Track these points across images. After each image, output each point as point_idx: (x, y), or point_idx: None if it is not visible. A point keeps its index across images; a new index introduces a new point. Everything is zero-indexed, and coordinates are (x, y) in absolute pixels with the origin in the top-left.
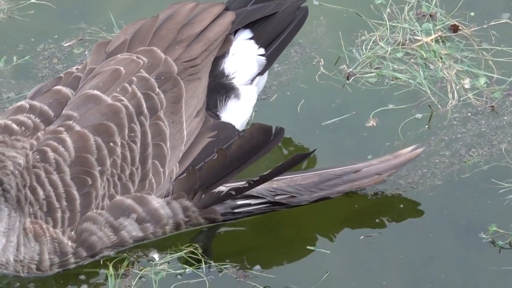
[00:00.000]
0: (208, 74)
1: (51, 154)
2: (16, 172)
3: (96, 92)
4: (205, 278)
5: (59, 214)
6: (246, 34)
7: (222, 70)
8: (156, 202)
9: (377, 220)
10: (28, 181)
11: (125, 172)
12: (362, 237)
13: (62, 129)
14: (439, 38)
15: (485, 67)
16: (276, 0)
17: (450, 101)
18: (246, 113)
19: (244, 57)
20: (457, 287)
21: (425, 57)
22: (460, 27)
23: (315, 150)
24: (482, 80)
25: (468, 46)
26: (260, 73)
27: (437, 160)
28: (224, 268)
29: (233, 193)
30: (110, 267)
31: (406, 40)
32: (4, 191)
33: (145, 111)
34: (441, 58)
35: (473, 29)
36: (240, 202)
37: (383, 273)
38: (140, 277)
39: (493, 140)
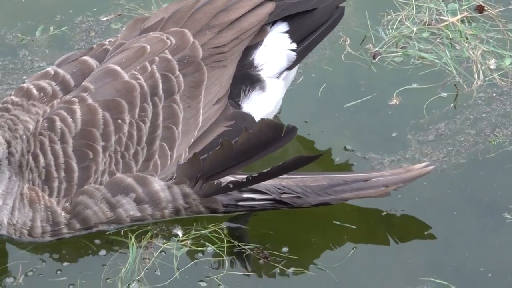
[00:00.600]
0: (235, 63)
1: (58, 124)
2: (24, 137)
3: (116, 67)
4: (225, 258)
5: (56, 184)
6: (283, 27)
7: (251, 60)
8: (157, 184)
9: (399, 196)
10: (32, 147)
11: (129, 151)
12: (384, 212)
13: (75, 100)
14: (465, 18)
15: (511, 47)
16: None
17: (476, 81)
18: (269, 107)
19: (275, 50)
20: (480, 266)
21: (451, 37)
22: (485, 8)
23: (322, 154)
24: (508, 61)
25: (494, 26)
26: (289, 68)
27: (462, 139)
28: (248, 249)
29: (231, 186)
30: (133, 238)
31: (432, 20)
32: (9, 154)
33: (160, 92)
34: (467, 39)
35: (498, 9)
36: (245, 195)
37: (407, 249)
38: (162, 251)
39: None
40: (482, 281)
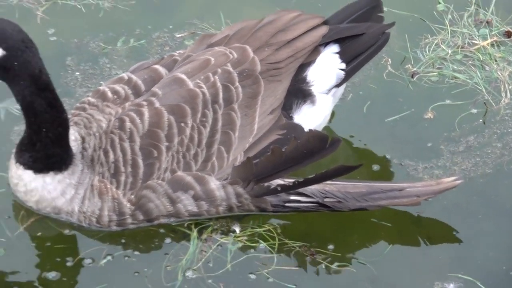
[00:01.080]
0: (290, 78)
1: (128, 124)
2: (97, 134)
3: (183, 76)
4: (275, 254)
5: (123, 178)
6: (334, 48)
7: (304, 76)
8: (214, 183)
9: (430, 199)
10: (103, 144)
11: (190, 151)
12: (416, 214)
13: (144, 103)
14: (494, 42)
15: None
16: (367, 23)
17: (503, 99)
18: (318, 119)
19: (326, 69)
20: (503, 265)
21: (481, 59)
22: None
23: (361, 165)
24: None
25: None
26: (337, 85)
27: (489, 151)
28: (297, 247)
29: (279, 189)
30: (195, 231)
31: (465, 43)
32: (83, 149)
33: (221, 100)
34: (496, 61)
35: None
36: (292, 197)
37: (436, 247)
38: (219, 245)
39: None
40: (505, 279)
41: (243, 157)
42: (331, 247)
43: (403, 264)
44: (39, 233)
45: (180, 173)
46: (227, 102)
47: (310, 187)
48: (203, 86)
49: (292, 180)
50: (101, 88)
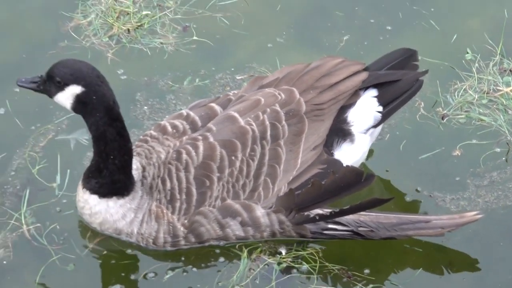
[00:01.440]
0: (332, 118)
1: (184, 156)
2: (156, 164)
3: (235, 114)
4: (315, 275)
5: (178, 204)
6: (373, 92)
7: (345, 117)
8: (259, 211)
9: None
10: (161, 173)
11: (239, 182)
12: (441, 241)
13: (200, 137)
14: None
15: None
16: (403, 70)
17: None
18: (356, 156)
19: (365, 111)
20: None
21: (505, 104)
22: None
23: (392, 198)
24: None
25: None
26: (375, 126)
27: (510, 186)
28: (336, 269)
29: (317, 217)
30: (245, 251)
31: (490, 89)
32: (143, 177)
33: (268, 137)
34: None
35: None
36: (330, 225)
37: (460, 271)
38: (266, 264)
39: None
40: None
41: (287, 188)
42: (366, 271)
43: (431, 285)
44: (104, 252)
45: (229, 201)
46: (274, 139)
47: (346, 217)
48: (253, 123)
49: (329, 210)
50: (162, 122)
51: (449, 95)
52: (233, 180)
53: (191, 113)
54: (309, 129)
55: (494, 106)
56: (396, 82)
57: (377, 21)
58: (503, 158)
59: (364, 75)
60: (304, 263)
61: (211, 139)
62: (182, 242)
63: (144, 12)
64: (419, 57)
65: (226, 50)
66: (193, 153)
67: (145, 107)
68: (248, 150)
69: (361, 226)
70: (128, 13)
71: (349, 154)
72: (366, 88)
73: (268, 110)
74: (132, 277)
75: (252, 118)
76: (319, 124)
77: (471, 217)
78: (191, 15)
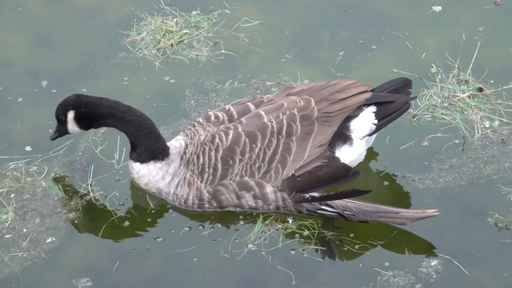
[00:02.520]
0: (338, 124)
1: (217, 139)
2: (196, 143)
3: (262, 112)
4: (313, 240)
5: (206, 176)
6: (373, 108)
7: (348, 125)
8: (269, 189)
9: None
10: (198, 150)
11: (255, 165)
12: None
13: (232, 127)
14: (470, 95)
15: (499, 114)
16: (398, 94)
17: (476, 134)
18: (352, 156)
19: (364, 122)
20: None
21: (461, 106)
22: (483, 89)
23: (370, 191)
24: (496, 122)
25: (488, 101)
26: (369, 135)
27: (465, 169)
28: (329, 235)
29: (309, 199)
30: (261, 217)
31: (450, 95)
32: (184, 153)
33: (284, 133)
34: (471, 108)
35: (491, 90)
36: (323, 207)
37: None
38: (276, 229)
39: (501, 160)
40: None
41: (296, 173)
42: (352, 235)
43: (401, 245)
44: (152, 211)
45: (246, 178)
46: (288, 134)
47: (336, 201)
48: (274, 121)
49: (320, 194)
50: (209, 113)
51: (419, 99)
52: (251, 163)
53: (232, 108)
54: (317, 130)
55: (453, 108)
56: (391, 102)
57: (364, 41)
58: (460, 148)
59: (368, 95)
60: (306, 230)
61: (240, 129)
62: (206, 205)
63: (184, 31)
64: (395, 70)
65: (246, 62)
66: (224, 138)
67: (192, 101)
68: (266, 141)
69: (346, 210)
70: (172, 31)
71: (347, 154)
72: (368, 105)
73: (288, 112)
74: (172, 231)
75: (274, 117)
76: (326, 128)
77: (431, 213)
78: (220, 34)
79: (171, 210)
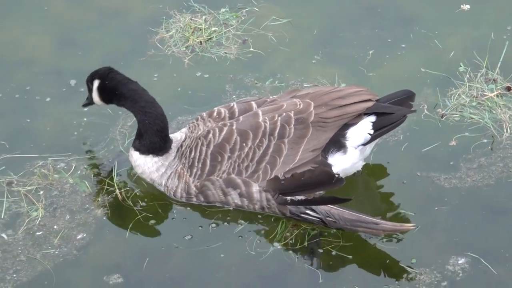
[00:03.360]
0: (334, 131)
1: (210, 135)
2: (193, 137)
3: (259, 112)
4: (305, 243)
5: (194, 170)
6: (372, 118)
7: (345, 132)
8: (255, 188)
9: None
10: (191, 144)
11: (243, 163)
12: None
13: (228, 124)
14: (498, 94)
15: None
16: (399, 106)
17: (505, 133)
18: (345, 165)
19: (361, 131)
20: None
21: (490, 105)
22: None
23: (350, 199)
24: None
25: None
26: (363, 144)
27: (493, 169)
28: (318, 239)
29: (289, 201)
30: (285, 222)
31: (478, 94)
32: (180, 146)
33: (276, 134)
34: (500, 107)
35: None
36: (307, 211)
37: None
38: (301, 229)
39: None
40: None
41: (282, 176)
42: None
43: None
44: (180, 207)
45: (233, 176)
46: (280, 136)
47: (320, 207)
48: (267, 121)
49: (301, 198)
50: (215, 108)
51: (447, 99)
52: (239, 161)
53: (235, 106)
54: (312, 135)
55: (482, 107)
56: (390, 114)
57: (393, 40)
58: (489, 147)
59: (369, 104)
60: (332, 228)
61: (234, 127)
62: (194, 199)
63: (213, 29)
64: (423, 69)
65: (274, 60)
66: (217, 135)
67: (234, 96)
68: (257, 140)
69: (329, 216)
70: (200, 29)
71: (340, 162)
72: (369, 114)
73: (284, 114)
74: (200, 228)
75: (269, 117)
76: (321, 133)
77: (408, 227)
78: (248, 32)
79: (190, 208)
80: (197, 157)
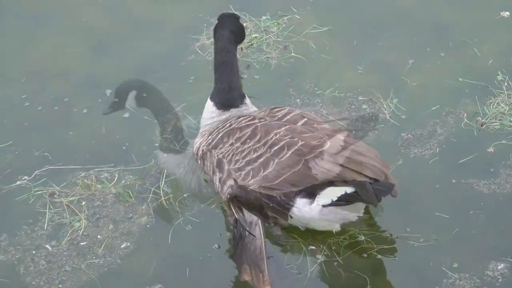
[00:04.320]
0: (323, 179)
1: (241, 119)
2: (243, 116)
3: (283, 123)
4: (304, 248)
5: (210, 137)
6: (351, 190)
7: (325, 187)
8: (230, 182)
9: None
10: (232, 120)
11: (236, 156)
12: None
13: (262, 120)
14: None
15: None
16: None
17: None
18: (301, 213)
19: (334, 193)
20: None
21: None
22: None
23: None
24: None
25: None
26: (323, 205)
27: None
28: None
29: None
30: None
31: None
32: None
33: (273, 150)
34: None
35: None
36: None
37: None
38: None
39: None
40: None
41: (258, 186)
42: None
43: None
44: (213, 209)
45: (225, 161)
46: (275, 154)
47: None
48: (277, 134)
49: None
50: (284, 107)
51: (486, 107)
52: (236, 152)
53: (293, 112)
54: (299, 170)
55: None
56: (365, 193)
57: (432, 49)
58: None
59: (365, 179)
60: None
61: (258, 124)
62: (199, 161)
63: (254, 35)
64: (460, 79)
65: (317, 67)
66: (242, 122)
67: (298, 100)
68: (258, 145)
69: (251, 233)
70: None
71: (299, 209)
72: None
73: (295, 139)
74: (227, 234)
75: (281, 133)
76: (309, 175)
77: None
78: (288, 39)
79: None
80: (215, 131)
